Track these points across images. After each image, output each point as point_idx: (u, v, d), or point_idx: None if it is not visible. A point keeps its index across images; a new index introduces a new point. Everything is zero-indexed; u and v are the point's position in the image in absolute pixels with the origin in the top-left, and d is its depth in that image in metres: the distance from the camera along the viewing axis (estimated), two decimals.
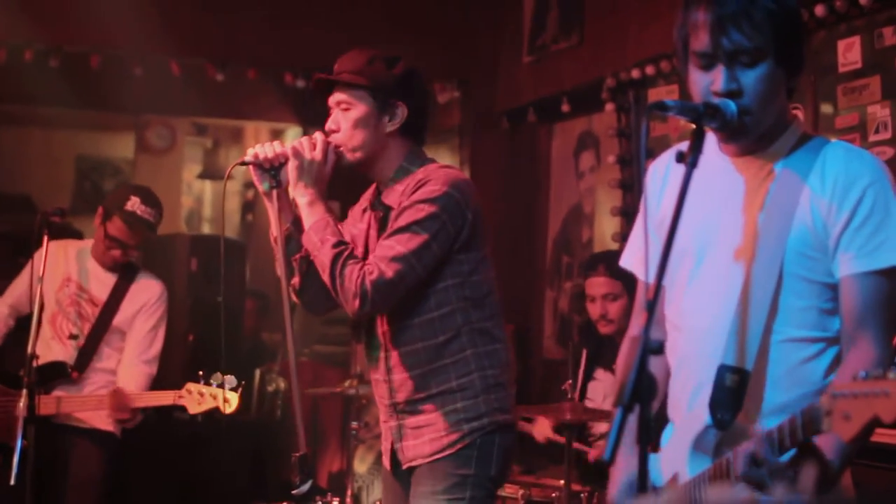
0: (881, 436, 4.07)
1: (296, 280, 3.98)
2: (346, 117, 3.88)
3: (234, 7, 7.71)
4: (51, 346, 5.68)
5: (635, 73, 6.55)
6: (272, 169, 3.85)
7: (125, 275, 5.91)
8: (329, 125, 3.92)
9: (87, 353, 5.77)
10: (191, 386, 5.48)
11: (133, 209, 5.73)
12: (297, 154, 3.82)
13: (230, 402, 5.38)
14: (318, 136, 3.89)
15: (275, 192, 3.87)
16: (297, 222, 3.93)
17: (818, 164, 2.70)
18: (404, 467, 3.93)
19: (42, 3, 7.20)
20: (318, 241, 3.78)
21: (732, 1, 2.64)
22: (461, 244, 3.81)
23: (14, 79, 7.92)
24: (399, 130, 3.92)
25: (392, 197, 3.88)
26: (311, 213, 3.83)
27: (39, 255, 5.45)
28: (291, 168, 3.82)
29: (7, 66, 7.48)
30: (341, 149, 3.88)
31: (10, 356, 5.94)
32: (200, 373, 5.44)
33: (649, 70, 6.45)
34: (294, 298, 4.02)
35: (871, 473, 4.06)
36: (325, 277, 3.77)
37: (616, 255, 6.08)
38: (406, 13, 8.02)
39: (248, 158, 3.85)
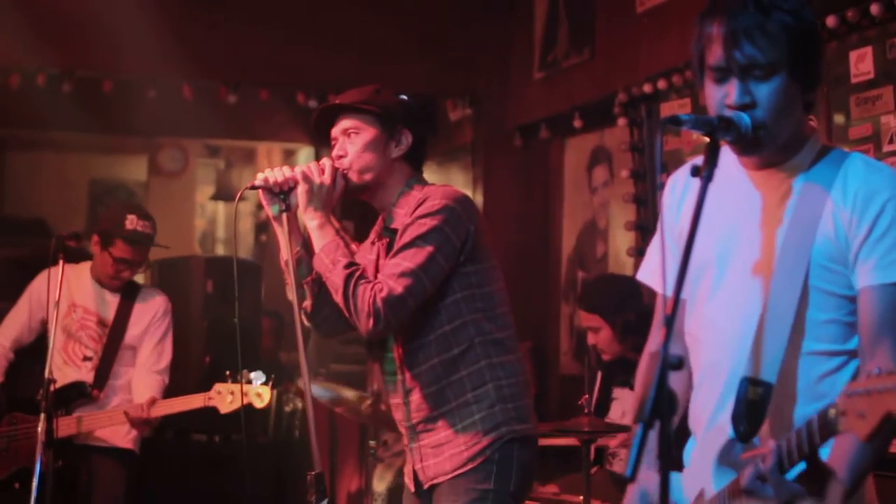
0: None
1: (307, 303, 4.01)
2: (353, 142, 3.94)
3: (245, 29, 7.73)
4: (64, 372, 5.68)
5: (647, 88, 6.55)
6: (281, 193, 3.89)
7: (128, 293, 5.92)
8: (336, 152, 3.96)
9: (104, 371, 5.77)
10: (219, 386, 5.42)
11: (134, 227, 5.75)
12: (307, 178, 3.86)
13: (262, 395, 5.34)
14: (326, 161, 3.94)
15: (284, 216, 3.90)
16: (307, 245, 3.97)
17: (840, 176, 2.69)
18: (426, 487, 3.94)
19: (54, 28, 7.23)
20: (330, 262, 3.81)
21: (746, 14, 2.64)
22: (466, 256, 3.85)
23: (27, 103, 7.96)
24: (403, 157, 4.00)
25: (396, 221, 3.92)
26: (321, 235, 3.86)
27: (38, 284, 5.54)
28: (301, 192, 3.85)
29: (20, 91, 7.52)
30: (350, 172, 3.92)
31: (24, 382, 5.96)
32: (227, 373, 5.40)
33: (661, 84, 6.44)
34: (305, 322, 4.04)
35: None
36: (339, 298, 3.79)
37: (589, 288, 6.10)
38: (417, 31, 8.04)
39: (257, 182, 3.89)
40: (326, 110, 4.02)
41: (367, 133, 3.93)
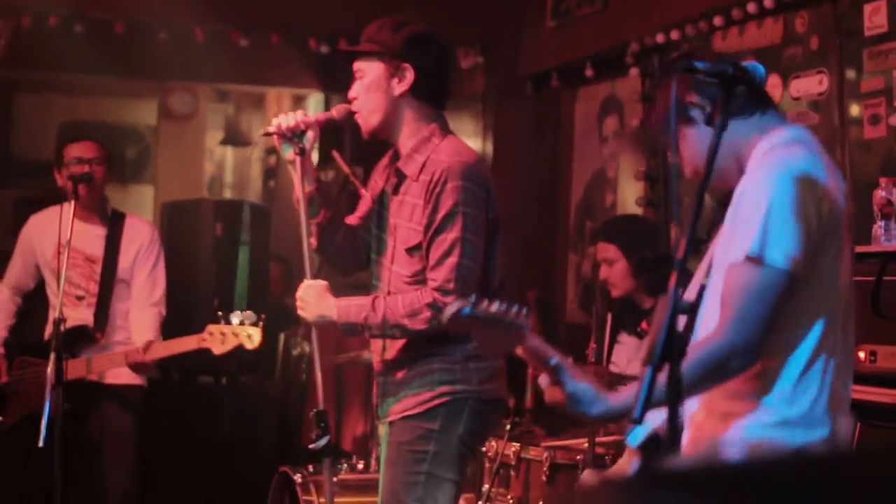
0: (882, 395, 4.07)
1: (313, 241, 4.12)
2: (361, 84, 4.01)
3: None
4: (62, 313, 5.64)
5: (660, 38, 6.53)
6: (294, 136, 4.00)
7: (114, 222, 5.87)
8: (350, 93, 4.05)
9: (103, 311, 5.75)
10: (212, 328, 5.39)
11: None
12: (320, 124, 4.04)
13: (252, 337, 5.33)
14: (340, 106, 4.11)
15: (298, 159, 4.01)
16: (319, 185, 4.10)
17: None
18: (385, 421, 4.08)
19: None
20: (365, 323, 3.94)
21: None
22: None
23: (38, 45, 7.94)
24: (412, 94, 4.00)
25: (411, 166, 3.98)
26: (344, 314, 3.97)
27: (25, 232, 5.55)
28: (313, 138, 4.02)
29: (31, 32, 7.50)
30: (359, 116, 4.01)
31: (29, 325, 5.99)
32: (219, 313, 5.40)
33: (674, 35, 6.43)
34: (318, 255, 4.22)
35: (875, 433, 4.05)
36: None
37: (611, 220, 6.08)
38: None
39: (270, 129, 4.03)
40: (342, 55, 4.15)
41: (371, 73, 3.99)
